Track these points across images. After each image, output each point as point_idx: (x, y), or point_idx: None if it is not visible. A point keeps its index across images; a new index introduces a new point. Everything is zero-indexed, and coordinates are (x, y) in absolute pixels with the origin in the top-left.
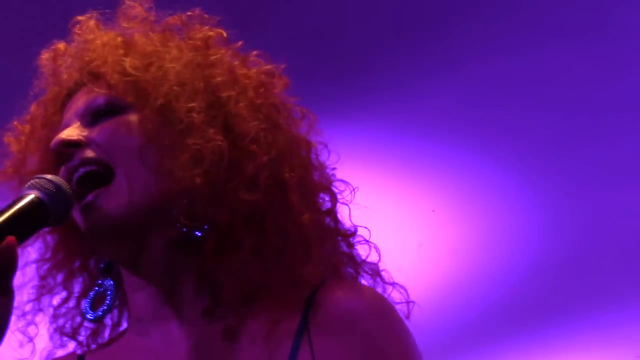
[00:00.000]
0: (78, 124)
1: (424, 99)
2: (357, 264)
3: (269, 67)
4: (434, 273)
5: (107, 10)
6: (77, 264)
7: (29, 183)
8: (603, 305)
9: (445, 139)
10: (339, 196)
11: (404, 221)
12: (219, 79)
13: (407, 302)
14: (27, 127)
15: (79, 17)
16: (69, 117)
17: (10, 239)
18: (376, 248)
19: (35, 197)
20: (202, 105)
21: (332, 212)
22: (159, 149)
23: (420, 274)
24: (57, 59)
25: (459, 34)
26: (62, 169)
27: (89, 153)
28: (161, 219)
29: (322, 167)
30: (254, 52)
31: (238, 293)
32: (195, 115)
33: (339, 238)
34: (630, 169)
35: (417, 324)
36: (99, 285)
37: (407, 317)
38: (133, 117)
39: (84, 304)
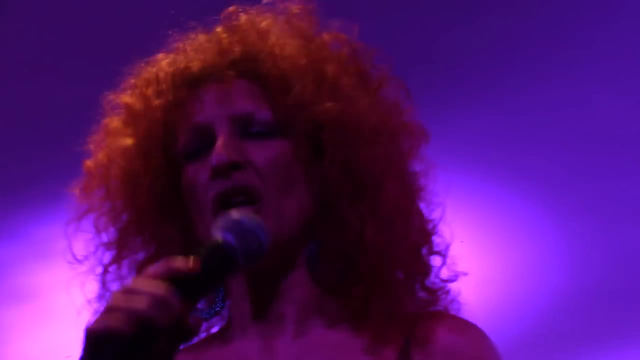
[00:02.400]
0: (230, 132)
1: (451, 129)
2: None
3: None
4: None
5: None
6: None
7: (222, 223)
8: (626, 341)
9: (472, 170)
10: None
11: None
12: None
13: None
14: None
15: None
16: (214, 114)
17: (197, 323)
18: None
19: (228, 245)
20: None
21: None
22: (316, 197)
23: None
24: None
25: (493, 67)
26: (215, 184)
27: (247, 179)
28: (295, 259)
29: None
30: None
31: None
32: (380, 174)
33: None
34: None
35: None
36: None
37: None
38: (291, 147)
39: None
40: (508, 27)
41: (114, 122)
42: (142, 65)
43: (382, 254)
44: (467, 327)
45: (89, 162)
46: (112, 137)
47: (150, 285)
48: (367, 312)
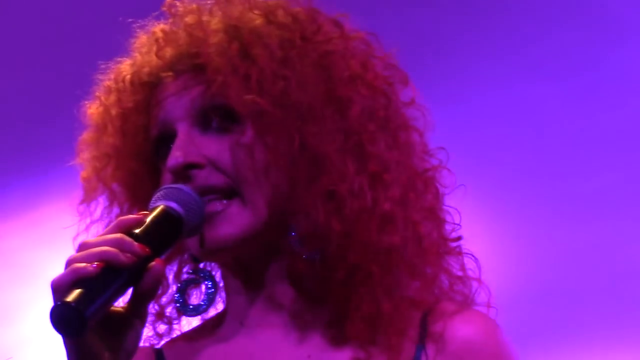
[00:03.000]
0: (188, 129)
1: None
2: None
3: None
4: None
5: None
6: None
7: (161, 192)
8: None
9: None
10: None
11: None
12: (355, 101)
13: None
14: (111, 103)
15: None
16: (173, 112)
17: (159, 263)
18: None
19: (169, 207)
20: (339, 135)
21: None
22: (288, 182)
23: None
24: (156, 35)
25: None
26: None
27: (211, 179)
28: (279, 246)
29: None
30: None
31: (365, 327)
32: (329, 145)
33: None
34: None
35: None
36: (197, 273)
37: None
38: (250, 136)
39: (176, 294)
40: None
41: (86, 135)
42: (103, 74)
43: (346, 240)
44: (483, 321)
45: (83, 174)
46: (90, 149)
47: (105, 236)
48: (390, 315)
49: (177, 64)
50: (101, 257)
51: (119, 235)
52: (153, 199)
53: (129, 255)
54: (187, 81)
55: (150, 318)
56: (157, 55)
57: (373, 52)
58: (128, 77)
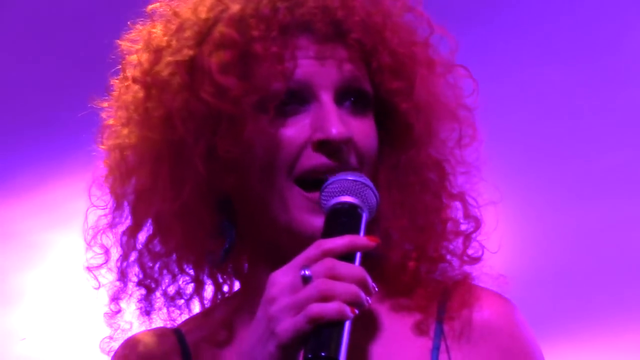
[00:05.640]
0: (332, 101)
1: None
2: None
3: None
4: None
5: None
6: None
7: (344, 185)
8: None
9: None
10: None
11: None
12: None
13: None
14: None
15: None
16: (317, 75)
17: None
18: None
19: (358, 207)
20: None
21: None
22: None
23: None
24: None
25: None
26: (316, 156)
27: (352, 158)
28: None
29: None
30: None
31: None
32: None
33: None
34: None
35: None
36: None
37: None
38: (375, 125)
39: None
40: None
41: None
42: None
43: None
44: (500, 303)
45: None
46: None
47: (352, 270)
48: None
49: (339, 27)
50: (353, 301)
51: (362, 274)
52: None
53: (369, 299)
54: (335, 50)
55: (168, 299)
56: (323, 8)
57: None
58: (272, 6)
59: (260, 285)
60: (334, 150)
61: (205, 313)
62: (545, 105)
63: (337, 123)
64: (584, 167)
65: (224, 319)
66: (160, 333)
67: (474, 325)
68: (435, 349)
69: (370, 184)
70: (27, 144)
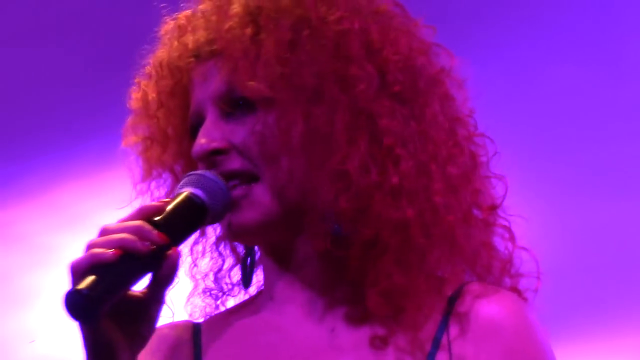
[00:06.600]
0: (213, 115)
1: None
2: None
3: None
4: None
5: None
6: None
7: (186, 179)
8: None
9: None
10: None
11: None
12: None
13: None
14: (150, 92)
15: None
16: (201, 99)
17: (175, 251)
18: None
19: (193, 195)
20: (347, 114)
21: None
22: (305, 162)
23: None
24: (185, 21)
25: None
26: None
27: (234, 164)
28: (303, 224)
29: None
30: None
31: (383, 302)
32: (336, 125)
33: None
34: None
35: None
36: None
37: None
38: (272, 117)
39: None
40: None
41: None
42: (147, 60)
43: (358, 216)
44: (509, 301)
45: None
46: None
47: (125, 223)
48: (408, 291)
49: (198, 50)
50: (120, 245)
51: (139, 222)
52: (178, 185)
53: (147, 243)
54: (211, 67)
55: (201, 293)
56: (178, 41)
57: (398, 26)
58: (164, 61)
59: (265, 281)
60: (211, 162)
61: (231, 310)
62: (549, 104)
63: (199, 139)
64: (591, 164)
65: (239, 316)
66: (177, 325)
67: (480, 322)
68: (437, 340)
69: (207, 174)
70: (36, 147)
